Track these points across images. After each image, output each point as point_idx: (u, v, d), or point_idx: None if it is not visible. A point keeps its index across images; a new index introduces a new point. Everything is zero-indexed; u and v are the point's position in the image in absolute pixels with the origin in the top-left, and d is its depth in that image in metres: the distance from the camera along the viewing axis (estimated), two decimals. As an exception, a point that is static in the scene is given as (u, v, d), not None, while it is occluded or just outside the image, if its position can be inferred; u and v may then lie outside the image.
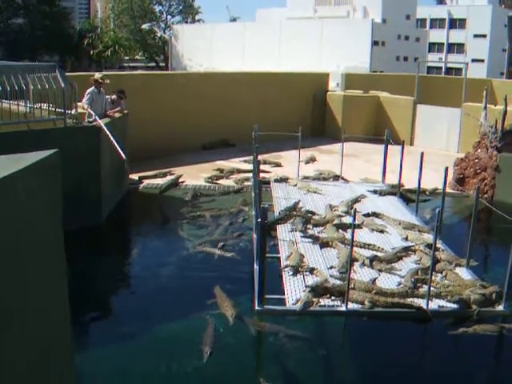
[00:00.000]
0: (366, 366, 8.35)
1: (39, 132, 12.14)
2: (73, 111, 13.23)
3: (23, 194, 3.91)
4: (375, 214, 13.77)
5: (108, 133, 13.29)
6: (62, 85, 12.77)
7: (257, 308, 9.11)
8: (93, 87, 14.06)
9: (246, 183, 16.93)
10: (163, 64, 70.74)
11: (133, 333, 8.83)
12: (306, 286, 9.61)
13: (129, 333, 8.87)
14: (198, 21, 77.20)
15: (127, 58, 79.32)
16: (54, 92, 12.83)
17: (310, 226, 12.80)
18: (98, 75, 14.44)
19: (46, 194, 4.33)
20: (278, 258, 11.00)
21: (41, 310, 4.24)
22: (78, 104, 13.58)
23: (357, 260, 10.79)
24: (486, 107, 18.47)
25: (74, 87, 13.13)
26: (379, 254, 11.28)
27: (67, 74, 15.10)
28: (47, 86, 12.68)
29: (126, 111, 15.62)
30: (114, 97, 15.12)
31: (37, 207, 4.15)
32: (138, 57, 79.57)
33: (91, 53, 71.96)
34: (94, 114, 13.39)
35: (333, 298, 9.41)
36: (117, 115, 14.90)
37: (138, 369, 7.90)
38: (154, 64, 75.25)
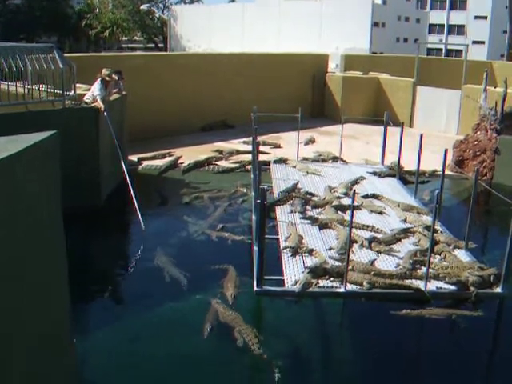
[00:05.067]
0: (364, 347, 8.40)
1: (38, 113, 12.11)
2: (71, 92, 13.19)
3: (22, 175, 3.91)
4: (374, 196, 13.78)
5: (115, 137, 13.56)
6: (61, 66, 12.71)
7: (256, 289, 9.14)
8: (99, 80, 13.90)
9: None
10: (162, 45, 70.32)
11: (134, 313, 8.88)
12: (305, 268, 9.64)
13: (130, 313, 8.93)
14: (198, 1, 76.63)
15: (126, 38, 78.80)
16: (52, 73, 12.77)
17: (309, 207, 12.82)
18: (104, 72, 14.13)
19: (46, 175, 4.33)
20: (277, 240, 11.02)
21: (41, 292, 4.25)
22: (77, 85, 13.53)
23: (356, 241, 10.82)
24: (485, 89, 18.43)
25: (73, 68, 13.07)
26: (378, 235, 11.30)
27: (65, 54, 15.00)
28: (45, 67, 12.63)
29: (124, 92, 15.56)
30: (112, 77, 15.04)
31: (36, 188, 4.15)
32: (136, 38, 79.05)
33: (89, 33, 71.51)
34: (102, 106, 13.31)
35: (331, 279, 9.43)
36: (115, 96, 14.85)
37: (139, 348, 7.95)
38: (152, 45, 74.77)
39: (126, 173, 13.38)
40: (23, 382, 4.03)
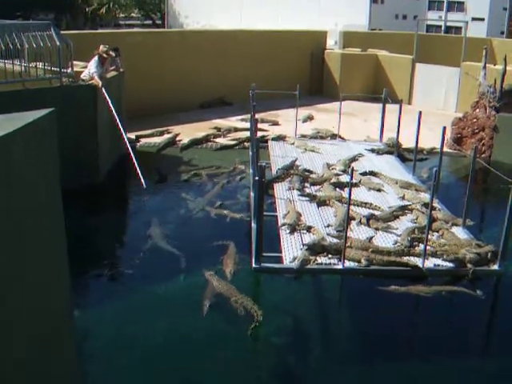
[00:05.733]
0: (361, 323, 8.47)
1: (35, 91, 12.06)
2: (68, 70, 13.14)
3: (19, 154, 3.89)
4: (372, 173, 13.78)
5: (114, 111, 13.66)
6: (58, 43, 12.66)
7: (254, 266, 9.18)
8: (97, 57, 13.84)
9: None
10: (160, 22, 69.80)
11: (133, 290, 8.93)
12: (304, 245, 9.67)
13: (129, 290, 8.97)
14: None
15: (123, 15, 78.18)
16: (49, 51, 12.72)
17: (307, 184, 12.83)
18: (102, 48, 14.11)
19: (44, 154, 4.31)
20: (276, 217, 11.05)
21: (40, 272, 4.25)
22: (74, 63, 13.47)
23: (354, 218, 10.84)
24: (485, 66, 18.36)
25: (70, 46, 13.01)
26: (376, 212, 11.33)
27: (62, 32, 14.92)
28: (42, 45, 12.56)
29: (121, 70, 15.49)
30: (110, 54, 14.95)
31: (34, 167, 4.13)
32: (133, 15, 78.42)
33: (86, 11, 70.89)
34: (100, 82, 13.29)
35: (330, 256, 9.47)
36: (112, 74, 14.79)
37: (138, 323, 8.01)
38: (150, 22, 74.21)
39: (126, 140, 13.77)
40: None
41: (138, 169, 12.96)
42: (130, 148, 13.54)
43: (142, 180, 12.82)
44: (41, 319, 4.27)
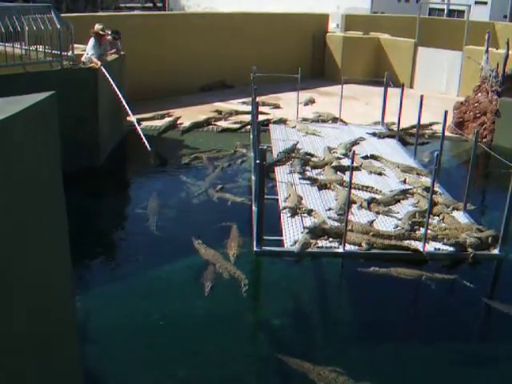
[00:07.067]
0: (361, 305, 8.49)
1: (36, 74, 12.01)
2: (69, 53, 13.08)
3: (21, 137, 3.88)
4: (374, 157, 13.78)
5: (117, 89, 13.70)
6: (58, 26, 12.60)
7: (255, 249, 9.20)
8: (93, 38, 13.75)
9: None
10: (160, 4, 69.42)
11: (133, 272, 8.94)
12: (304, 228, 9.69)
13: (129, 272, 8.99)
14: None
15: (124, -2, 77.71)
16: (49, 34, 12.66)
17: (308, 168, 12.84)
18: (97, 26, 14.01)
19: (45, 137, 4.30)
20: (277, 200, 11.06)
21: (40, 254, 4.25)
22: (75, 46, 13.41)
23: (355, 202, 10.86)
24: (487, 51, 18.26)
25: (70, 28, 12.95)
26: (377, 196, 11.34)
27: (62, 15, 14.86)
28: (43, 28, 12.51)
29: (122, 52, 15.43)
30: (109, 37, 14.88)
31: (35, 150, 4.13)
32: (134, -3, 77.95)
33: (87, -7, 70.39)
34: (99, 62, 13.25)
35: (330, 239, 9.50)
36: (113, 57, 14.73)
37: (139, 307, 8.03)
38: (151, 5, 73.82)
39: (130, 113, 14.09)
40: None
41: (141, 135, 13.49)
42: (134, 119, 14.18)
43: (147, 143, 13.19)
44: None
